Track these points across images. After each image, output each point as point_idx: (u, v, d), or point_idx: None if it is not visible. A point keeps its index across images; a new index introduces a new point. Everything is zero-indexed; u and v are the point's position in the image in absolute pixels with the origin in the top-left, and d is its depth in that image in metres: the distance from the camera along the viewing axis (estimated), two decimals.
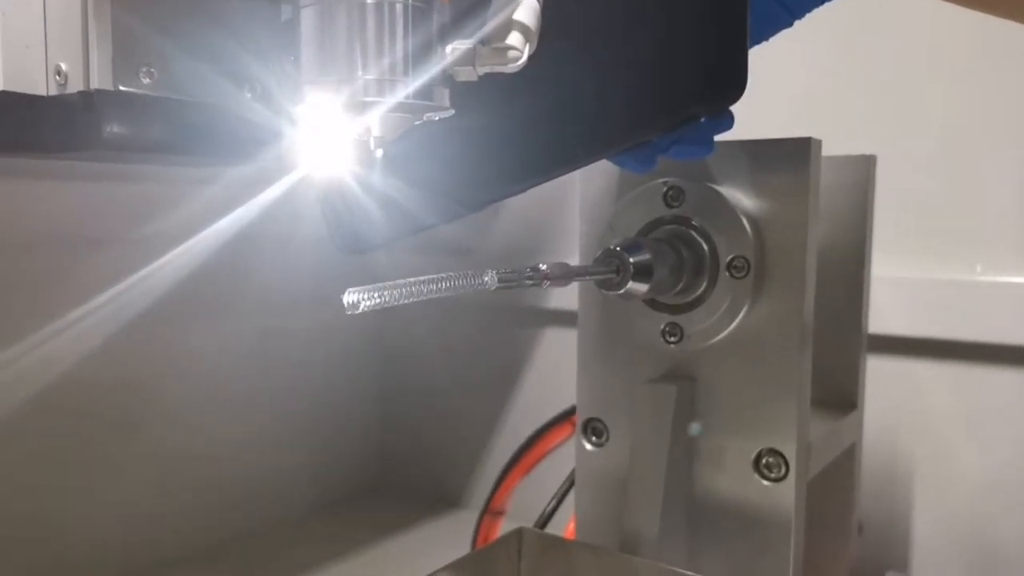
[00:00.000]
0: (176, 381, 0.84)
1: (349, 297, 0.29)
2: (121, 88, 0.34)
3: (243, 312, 0.87)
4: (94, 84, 0.34)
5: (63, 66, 0.35)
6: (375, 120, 0.31)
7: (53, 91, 0.36)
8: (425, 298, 0.30)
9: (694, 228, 0.47)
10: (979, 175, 0.74)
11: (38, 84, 0.36)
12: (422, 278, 0.31)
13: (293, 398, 0.97)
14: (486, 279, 0.32)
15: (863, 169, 0.58)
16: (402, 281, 0.30)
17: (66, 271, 0.72)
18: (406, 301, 0.30)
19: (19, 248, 0.71)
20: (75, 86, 0.35)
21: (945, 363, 0.76)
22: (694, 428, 0.49)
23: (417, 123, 0.32)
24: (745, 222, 0.46)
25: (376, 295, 0.29)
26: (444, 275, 0.31)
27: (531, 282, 0.35)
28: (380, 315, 0.75)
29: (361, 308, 0.29)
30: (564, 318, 0.96)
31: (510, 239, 0.98)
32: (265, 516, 0.95)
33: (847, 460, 0.60)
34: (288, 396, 0.96)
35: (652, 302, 0.48)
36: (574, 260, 0.92)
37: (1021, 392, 0.73)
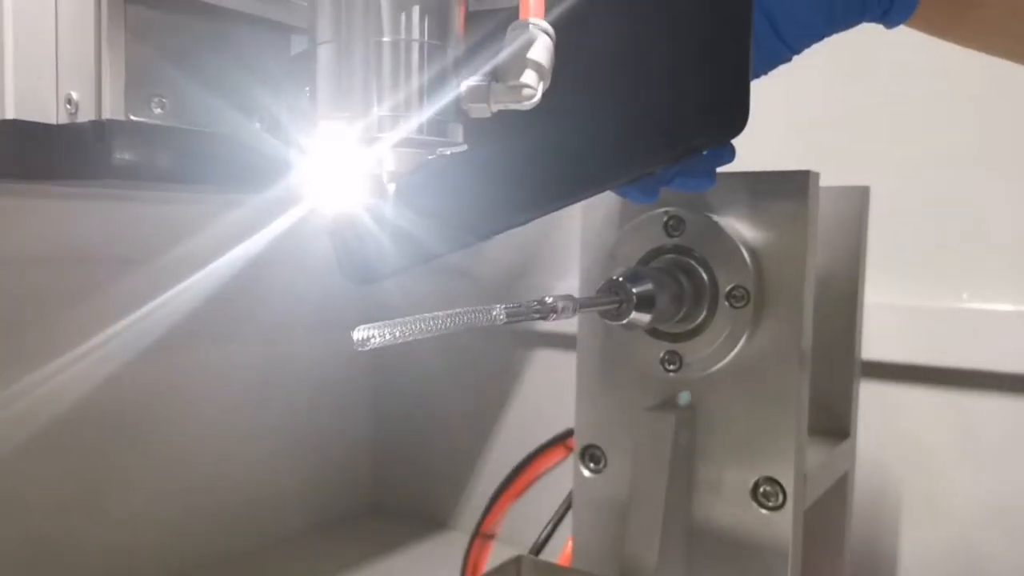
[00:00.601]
0: (180, 404, 0.85)
1: (359, 334, 0.29)
2: (132, 118, 0.35)
3: (244, 337, 0.88)
4: (106, 114, 0.34)
5: (74, 95, 0.35)
6: (389, 155, 0.31)
7: (63, 119, 0.36)
8: (436, 334, 0.30)
9: (694, 258, 0.47)
10: (968, 207, 0.75)
11: (48, 112, 0.36)
12: (433, 314, 0.31)
13: (287, 419, 0.97)
14: (495, 313, 0.32)
15: (857, 200, 0.59)
16: (412, 317, 0.30)
17: (80, 292, 0.73)
18: (417, 337, 0.30)
19: (33, 264, 0.71)
20: (86, 115, 0.35)
21: (933, 389, 0.76)
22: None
23: (430, 157, 0.33)
24: (744, 253, 0.46)
25: (387, 332, 0.29)
26: (454, 311, 0.31)
27: (538, 315, 0.35)
28: None
29: (371, 345, 0.29)
30: (555, 340, 0.96)
31: (504, 259, 0.99)
32: (260, 535, 0.96)
33: (840, 488, 0.60)
34: (282, 417, 0.97)
35: (652, 330, 0.49)
36: (566, 279, 0.93)
37: (1006, 418, 0.73)
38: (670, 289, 0.45)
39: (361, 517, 1.09)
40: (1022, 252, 0.73)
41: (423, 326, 0.31)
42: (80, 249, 0.74)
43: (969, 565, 0.75)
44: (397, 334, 0.30)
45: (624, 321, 0.43)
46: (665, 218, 0.48)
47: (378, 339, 0.30)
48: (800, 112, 0.79)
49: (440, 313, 0.32)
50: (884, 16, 0.41)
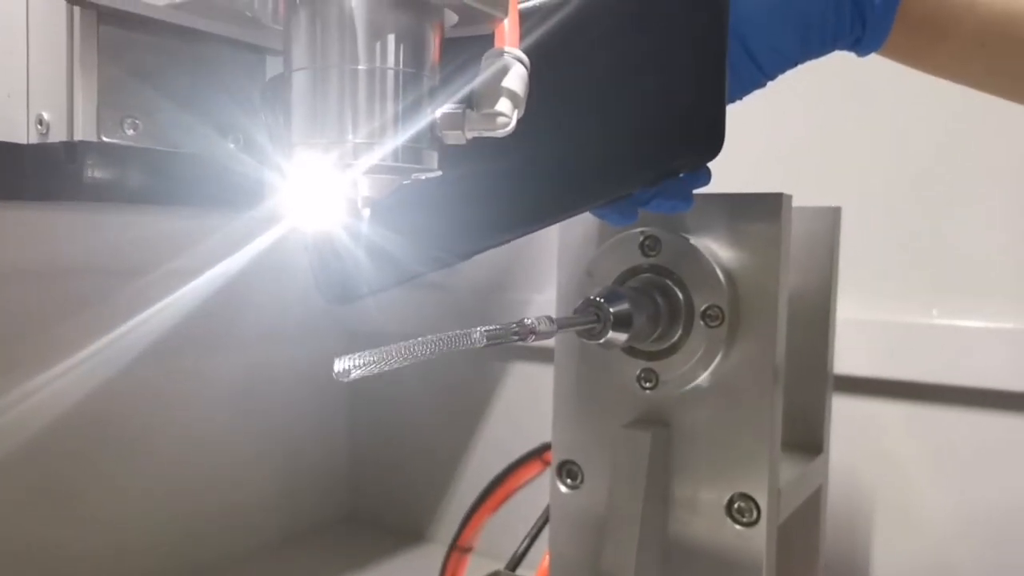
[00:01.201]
0: (159, 415, 0.85)
1: (340, 364, 0.29)
2: (104, 139, 0.34)
3: (223, 349, 0.88)
4: (78, 135, 0.34)
5: (45, 115, 0.35)
6: (363, 181, 0.31)
7: (34, 139, 0.35)
8: (416, 361, 0.30)
9: (670, 278, 0.48)
10: (938, 224, 0.77)
11: (19, 133, 0.35)
12: (412, 341, 0.31)
13: (264, 430, 0.97)
14: (474, 337, 0.33)
15: (830, 220, 0.60)
16: (392, 346, 0.30)
17: (65, 305, 0.72)
18: (397, 365, 0.30)
19: (18, 277, 0.71)
20: (57, 135, 0.35)
21: (903, 403, 0.77)
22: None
23: (405, 183, 0.33)
24: (719, 273, 0.46)
25: (367, 361, 0.29)
26: (433, 337, 0.31)
27: (517, 338, 0.35)
28: (351, 348, 0.76)
29: (352, 376, 0.29)
30: (531, 353, 0.96)
31: (480, 273, 0.99)
32: (235, 545, 0.95)
33: (814, 503, 0.61)
34: (259, 428, 0.96)
35: (628, 348, 0.49)
36: (543, 292, 0.93)
37: (975, 432, 0.74)
38: (646, 309, 0.45)
39: (336, 528, 1.08)
40: (991, 270, 0.75)
41: (403, 353, 0.31)
42: (65, 262, 0.74)
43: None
44: (378, 364, 0.30)
45: (601, 340, 0.44)
46: (641, 238, 0.48)
47: (359, 370, 0.30)
48: (775, 135, 0.80)
49: (420, 339, 0.32)
50: (856, 44, 0.42)
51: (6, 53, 0.36)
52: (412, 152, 0.30)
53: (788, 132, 0.81)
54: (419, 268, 0.40)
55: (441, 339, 0.32)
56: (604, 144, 0.39)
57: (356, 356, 0.29)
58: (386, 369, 0.30)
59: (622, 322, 0.43)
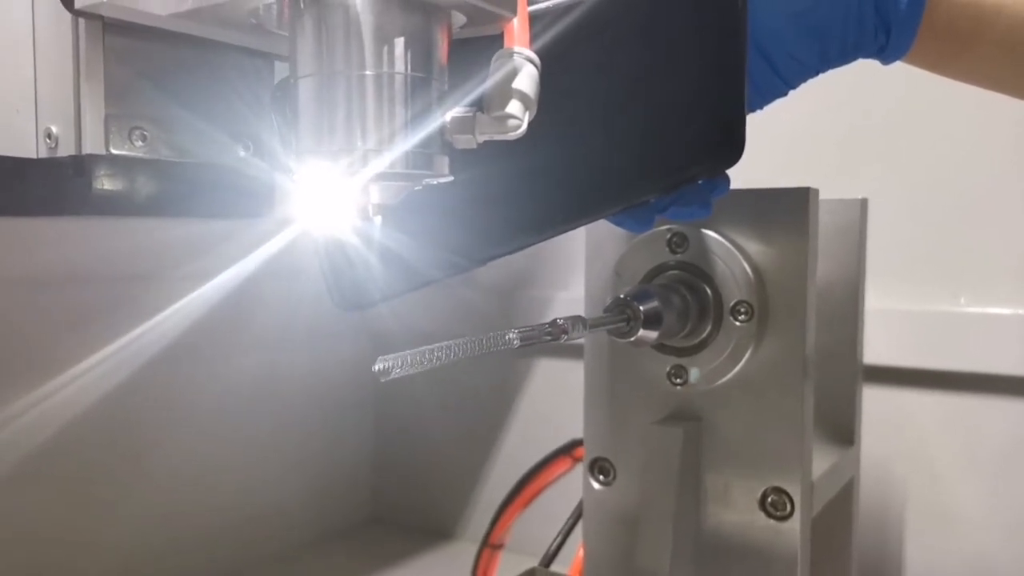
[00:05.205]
0: (177, 419, 0.84)
1: (380, 364, 0.29)
2: (113, 151, 0.34)
3: (243, 349, 0.87)
4: (86, 148, 0.34)
5: (54, 129, 0.34)
6: (375, 188, 0.31)
7: (43, 154, 0.35)
8: (453, 361, 0.31)
9: (698, 274, 0.47)
10: (963, 213, 0.75)
11: (28, 147, 0.35)
12: (449, 342, 0.31)
13: (288, 429, 0.96)
14: (509, 338, 0.33)
15: (856, 211, 0.60)
16: (430, 346, 0.30)
17: (74, 313, 0.72)
18: (436, 365, 0.30)
19: (22, 286, 0.71)
20: (66, 149, 0.34)
21: (931, 392, 0.76)
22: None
23: (416, 189, 0.32)
24: (748, 268, 0.46)
25: (406, 361, 0.29)
26: (469, 338, 0.31)
27: (550, 338, 0.35)
28: (374, 348, 0.75)
29: (391, 376, 0.29)
30: (556, 350, 0.95)
31: (499, 270, 0.97)
32: (260, 550, 0.94)
33: (846, 495, 0.60)
34: (283, 427, 0.96)
35: (658, 345, 0.48)
36: (563, 289, 0.91)
37: (1005, 419, 0.73)
38: (676, 306, 0.45)
39: (363, 529, 1.07)
40: (1017, 256, 0.73)
41: (441, 355, 0.31)
42: (72, 270, 0.73)
43: (975, 569, 0.75)
44: (416, 364, 0.31)
45: (632, 339, 0.43)
46: (668, 235, 0.48)
47: (398, 370, 0.30)
48: (801, 127, 0.78)
49: (456, 341, 0.32)
50: (880, 53, 0.41)
51: (13, 68, 0.35)
52: (422, 158, 0.30)
53: (814, 124, 0.80)
54: (434, 274, 0.40)
55: (476, 341, 0.32)
56: (620, 149, 0.38)
57: (395, 356, 0.30)
58: (423, 369, 0.30)
59: (652, 320, 0.43)
